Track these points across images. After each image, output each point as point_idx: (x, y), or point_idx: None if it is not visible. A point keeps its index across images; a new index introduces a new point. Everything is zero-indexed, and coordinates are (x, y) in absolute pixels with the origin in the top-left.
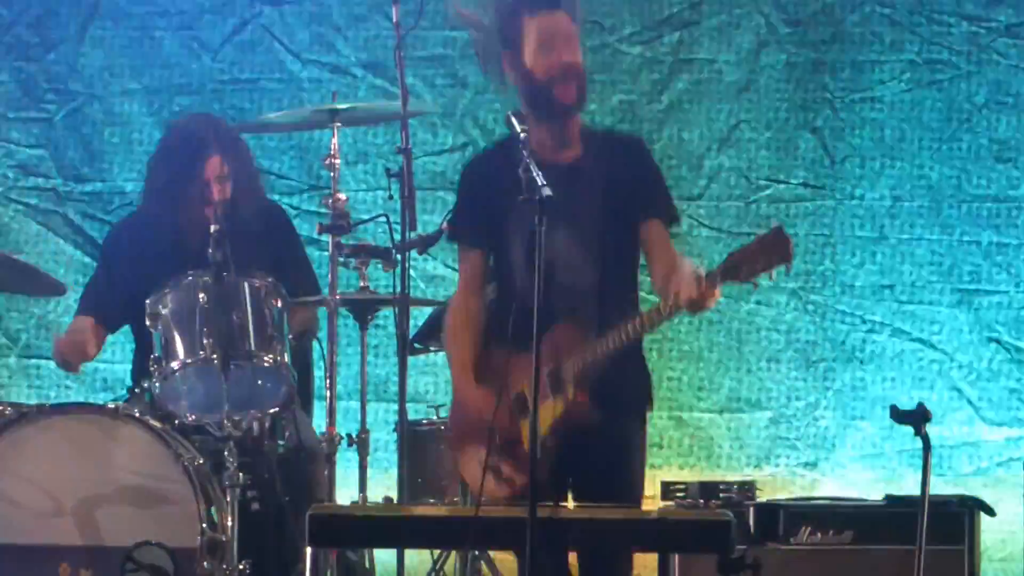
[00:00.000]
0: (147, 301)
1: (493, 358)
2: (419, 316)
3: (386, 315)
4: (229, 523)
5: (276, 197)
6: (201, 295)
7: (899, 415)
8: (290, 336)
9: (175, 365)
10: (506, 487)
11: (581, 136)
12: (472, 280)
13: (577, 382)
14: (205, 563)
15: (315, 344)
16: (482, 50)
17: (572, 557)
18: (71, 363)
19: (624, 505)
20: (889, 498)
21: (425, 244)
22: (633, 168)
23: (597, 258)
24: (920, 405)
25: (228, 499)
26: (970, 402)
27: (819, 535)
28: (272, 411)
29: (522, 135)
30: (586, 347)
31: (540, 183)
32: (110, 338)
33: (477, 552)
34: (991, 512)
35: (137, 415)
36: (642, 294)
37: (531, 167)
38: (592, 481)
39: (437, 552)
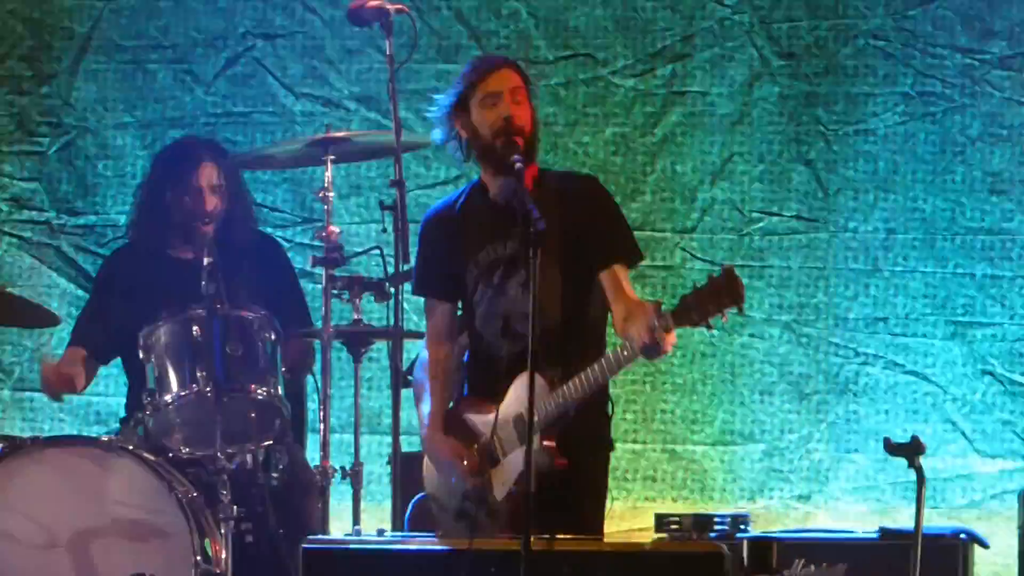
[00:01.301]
0: (140, 333)
1: (466, 410)
2: (412, 349)
3: (379, 348)
4: (223, 556)
5: (269, 230)
6: (194, 328)
7: (893, 448)
8: (283, 370)
9: (168, 398)
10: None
11: (538, 180)
12: (440, 332)
13: (544, 429)
14: None
15: (309, 377)
16: (440, 122)
17: None
18: (57, 394)
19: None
20: (883, 531)
21: None
22: (590, 210)
23: (557, 304)
24: (914, 438)
25: (222, 532)
26: (964, 435)
27: (813, 567)
28: (266, 444)
29: (516, 166)
30: (551, 395)
31: (535, 216)
32: (103, 371)
33: None
34: (985, 544)
35: (131, 448)
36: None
37: (526, 198)
38: (554, 526)
39: None
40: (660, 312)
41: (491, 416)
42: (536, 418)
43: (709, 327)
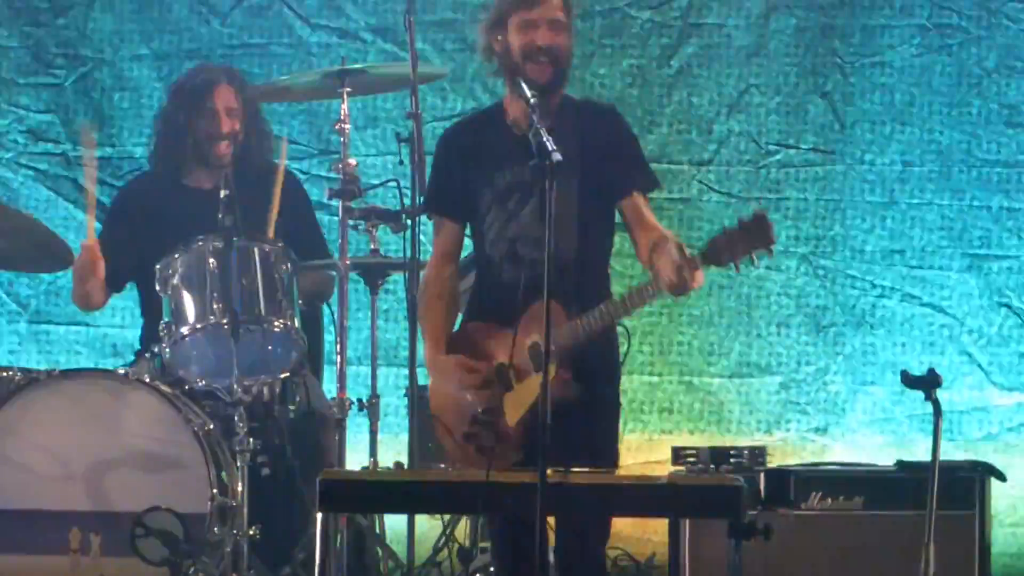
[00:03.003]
0: (157, 266)
1: (474, 333)
2: None
3: (396, 280)
4: (239, 488)
5: (285, 162)
6: (211, 260)
7: (909, 380)
8: (300, 301)
9: (185, 330)
10: (484, 459)
11: (557, 108)
12: (447, 251)
13: (560, 359)
14: (215, 528)
15: (325, 309)
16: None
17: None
18: (85, 281)
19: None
20: (900, 463)
21: None
22: (608, 138)
23: (571, 234)
24: (930, 370)
25: (238, 464)
26: (980, 367)
27: (830, 500)
28: (282, 376)
29: (532, 100)
30: (569, 325)
31: (550, 148)
32: (118, 302)
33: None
34: (1002, 477)
35: (147, 380)
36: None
37: (541, 131)
38: (570, 455)
39: (447, 517)
40: (684, 251)
41: (504, 340)
42: (552, 347)
43: (737, 268)
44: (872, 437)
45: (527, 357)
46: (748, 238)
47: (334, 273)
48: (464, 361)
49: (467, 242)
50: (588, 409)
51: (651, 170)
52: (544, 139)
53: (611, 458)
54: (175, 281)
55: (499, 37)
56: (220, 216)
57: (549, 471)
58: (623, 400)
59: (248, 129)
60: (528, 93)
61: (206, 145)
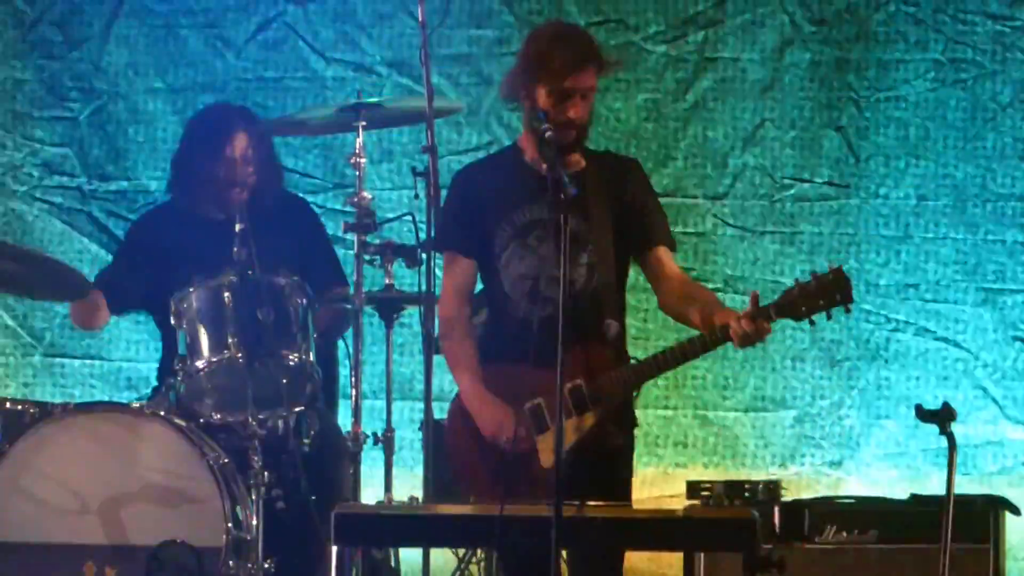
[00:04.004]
0: (172, 299)
1: (508, 374)
2: None
3: (411, 314)
4: (254, 522)
5: (300, 195)
6: (226, 294)
7: (924, 414)
8: (315, 335)
9: (200, 364)
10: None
11: (584, 156)
12: (462, 288)
13: (605, 407)
14: (230, 562)
15: (340, 342)
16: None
17: None
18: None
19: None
20: (914, 497)
21: None
22: (635, 190)
23: (608, 271)
24: (945, 404)
25: (253, 498)
26: (995, 401)
27: (844, 534)
28: (297, 410)
29: (547, 134)
30: (618, 371)
31: (566, 181)
32: (134, 336)
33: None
34: (1016, 511)
35: (162, 413)
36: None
37: (557, 165)
38: (589, 494)
39: (462, 551)
40: (757, 303)
41: (539, 381)
42: (602, 392)
43: (811, 322)
44: (886, 471)
45: (567, 398)
46: (827, 293)
47: (349, 307)
48: (508, 410)
49: None
50: (613, 458)
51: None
52: (561, 175)
53: (625, 494)
54: (190, 315)
55: (525, 93)
56: (235, 250)
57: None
58: (638, 434)
59: (260, 165)
60: (544, 126)
61: (223, 192)
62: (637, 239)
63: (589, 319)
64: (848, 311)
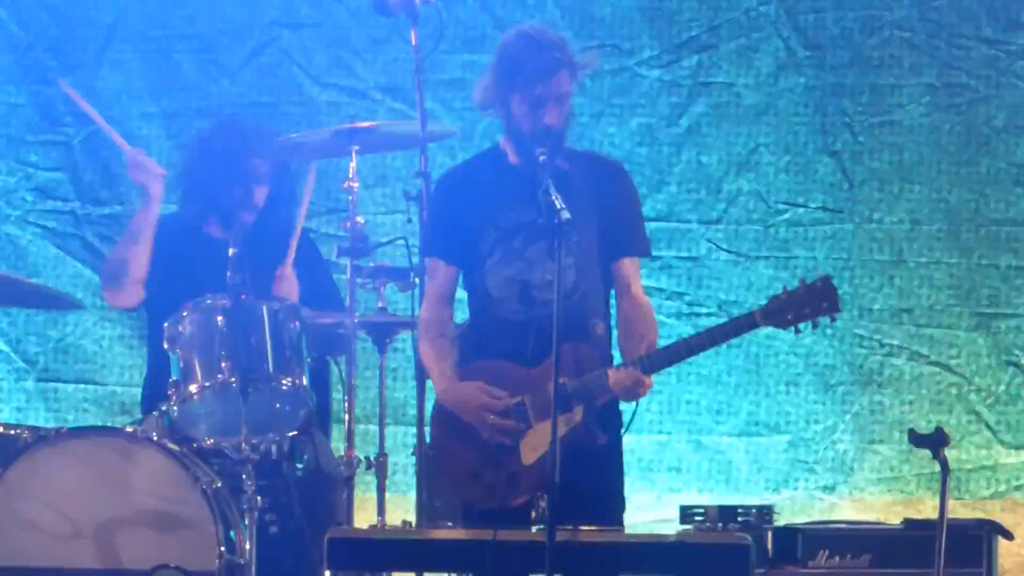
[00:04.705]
0: (165, 324)
1: (490, 370)
2: None
3: (404, 339)
4: (247, 546)
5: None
6: (219, 318)
7: (917, 439)
8: (309, 359)
9: (193, 388)
10: (495, 501)
11: (566, 156)
12: (443, 293)
13: (587, 404)
14: None
15: (333, 367)
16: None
17: None
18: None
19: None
20: (907, 522)
21: None
22: (614, 195)
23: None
24: (938, 429)
25: (247, 522)
26: (988, 426)
27: (837, 559)
28: (290, 434)
29: (541, 158)
30: (600, 371)
31: (559, 207)
32: (127, 361)
33: None
34: (1009, 536)
35: (155, 438)
36: None
37: (550, 190)
38: (577, 507)
39: None
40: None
41: (523, 378)
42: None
43: (797, 331)
44: (880, 496)
45: (548, 397)
46: (814, 301)
47: (343, 331)
48: (485, 387)
49: None
50: (599, 460)
51: (646, 235)
52: (553, 198)
53: (618, 512)
54: (183, 339)
55: (500, 102)
56: (228, 274)
57: (557, 530)
58: (632, 458)
59: (274, 184)
60: (537, 151)
61: (234, 212)
62: (604, 247)
63: (576, 320)
64: (834, 320)
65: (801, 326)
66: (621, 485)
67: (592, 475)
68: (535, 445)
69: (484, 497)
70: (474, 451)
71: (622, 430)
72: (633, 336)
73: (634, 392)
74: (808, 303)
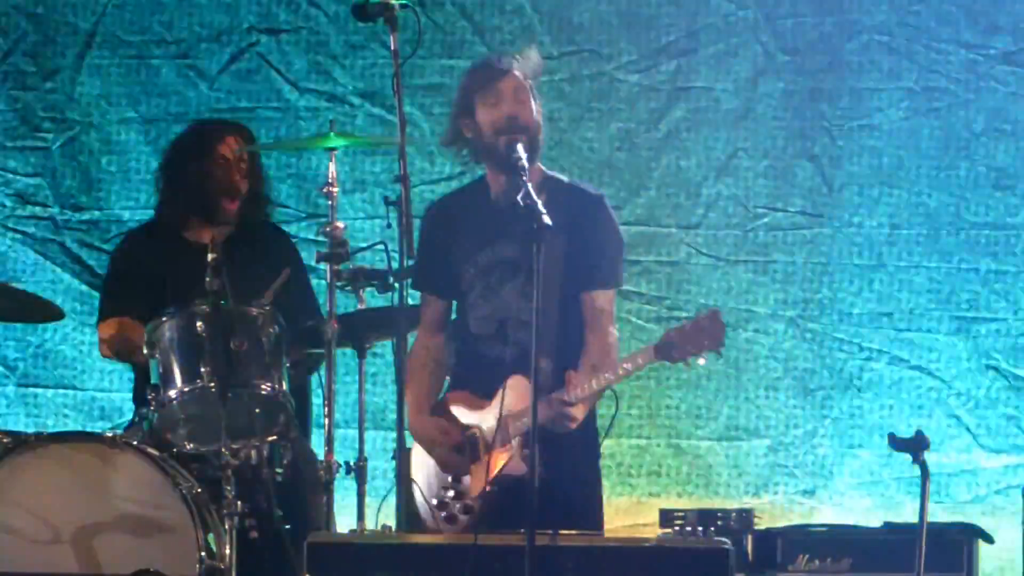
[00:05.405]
0: (145, 329)
1: (456, 403)
2: None
3: (384, 344)
4: (227, 551)
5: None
6: (199, 323)
7: (897, 443)
8: (287, 365)
9: (173, 393)
10: (450, 523)
11: (545, 185)
12: (432, 324)
13: (526, 435)
14: None
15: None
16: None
17: None
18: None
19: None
20: (888, 525)
21: None
22: (593, 227)
23: (553, 313)
24: (918, 433)
25: (226, 527)
26: (968, 430)
27: (817, 563)
28: (270, 439)
29: (520, 162)
30: (543, 401)
31: (540, 211)
32: (107, 366)
33: None
34: (990, 539)
35: (135, 443)
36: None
37: (531, 194)
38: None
39: None
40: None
41: (479, 412)
42: (523, 426)
43: (686, 365)
44: (860, 500)
45: (499, 430)
46: (700, 337)
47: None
48: (442, 423)
49: None
50: (564, 484)
51: (620, 269)
52: (534, 202)
53: (595, 524)
54: (163, 344)
55: (467, 121)
56: (208, 280)
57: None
58: (611, 463)
59: (252, 179)
60: (520, 154)
61: (216, 199)
62: (576, 278)
63: (528, 355)
64: (719, 355)
65: (691, 361)
66: (592, 506)
67: (554, 505)
68: (481, 476)
69: (448, 528)
70: (440, 480)
71: (600, 437)
72: (586, 369)
73: (561, 423)
74: (691, 340)
